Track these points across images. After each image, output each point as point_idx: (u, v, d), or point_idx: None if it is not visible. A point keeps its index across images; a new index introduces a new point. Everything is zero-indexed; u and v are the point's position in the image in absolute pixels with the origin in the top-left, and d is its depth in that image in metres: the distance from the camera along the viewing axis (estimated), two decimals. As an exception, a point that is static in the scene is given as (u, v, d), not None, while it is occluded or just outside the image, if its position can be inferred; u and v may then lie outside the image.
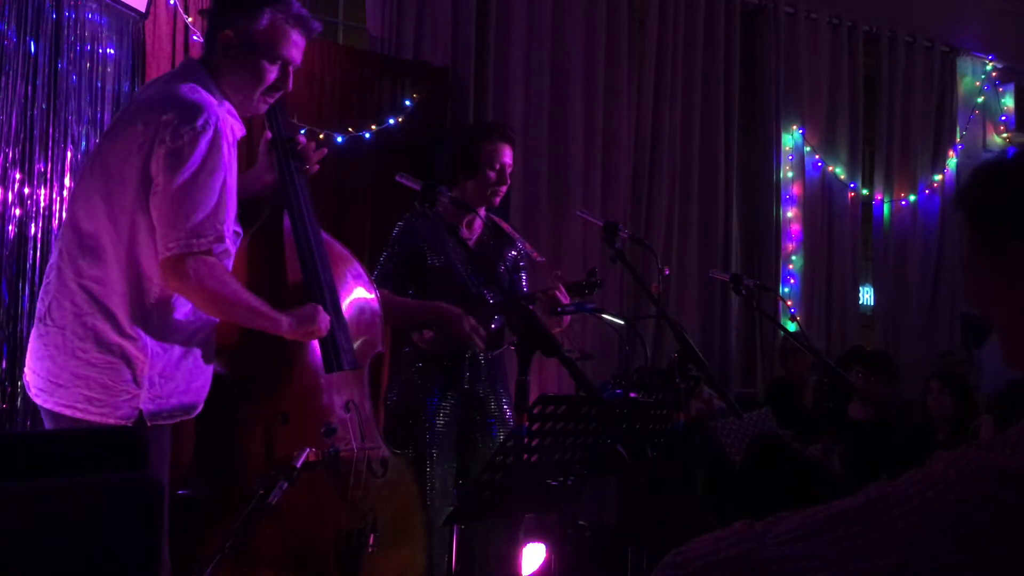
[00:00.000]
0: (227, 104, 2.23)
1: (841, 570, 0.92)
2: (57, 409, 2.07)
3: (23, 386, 3.25)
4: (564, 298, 2.91)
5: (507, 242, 3.18)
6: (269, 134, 2.47)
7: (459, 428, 3.02)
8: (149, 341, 2.10)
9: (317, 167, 2.50)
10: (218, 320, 2.26)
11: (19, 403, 3.27)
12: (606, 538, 4.27)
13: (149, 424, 2.10)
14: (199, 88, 2.16)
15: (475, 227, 3.13)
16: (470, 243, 3.07)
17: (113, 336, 2.06)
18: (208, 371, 2.24)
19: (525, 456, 2.11)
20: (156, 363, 2.10)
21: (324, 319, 2.29)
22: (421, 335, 3.00)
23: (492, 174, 3.03)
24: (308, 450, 2.20)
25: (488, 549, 3.04)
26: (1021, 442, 0.91)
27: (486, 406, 3.05)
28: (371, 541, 2.35)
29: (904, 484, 0.94)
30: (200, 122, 2.06)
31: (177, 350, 2.15)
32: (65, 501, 1.66)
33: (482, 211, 3.09)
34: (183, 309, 2.16)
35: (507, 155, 3.07)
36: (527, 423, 2.03)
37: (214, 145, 2.07)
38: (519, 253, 3.20)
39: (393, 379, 3.12)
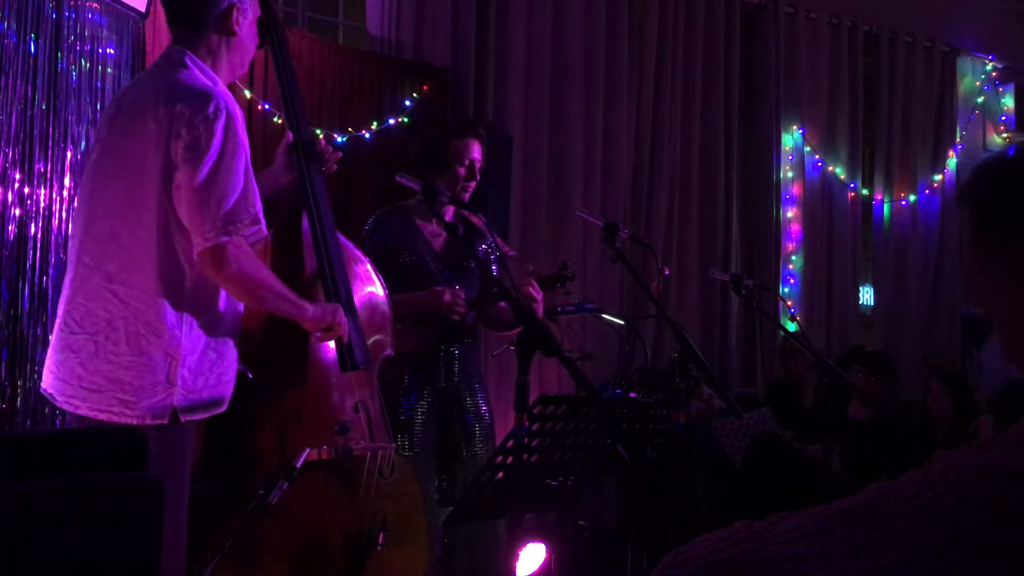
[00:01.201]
0: (221, 84, 2.22)
1: (841, 570, 0.92)
2: (91, 415, 2.06)
3: (23, 386, 3.28)
4: (536, 293, 2.91)
5: (477, 236, 3.17)
6: (290, 136, 2.48)
7: (437, 426, 3.01)
8: (182, 338, 2.09)
9: (335, 167, 2.54)
10: (242, 313, 2.28)
11: (19, 403, 3.27)
12: (606, 538, 4.27)
13: (183, 420, 2.10)
14: (194, 73, 2.16)
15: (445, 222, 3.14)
16: (440, 239, 3.09)
17: (146, 337, 2.06)
18: (234, 365, 2.25)
19: (525, 456, 2.11)
20: (188, 359, 2.10)
21: (343, 319, 2.31)
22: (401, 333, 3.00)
23: (461, 170, 3.06)
24: (308, 450, 2.21)
25: (472, 549, 3.04)
26: (1021, 441, 0.91)
27: (462, 402, 3.05)
28: (380, 540, 2.36)
29: (904, 484, 0.94)
30: (211, 109, 2.05)
31: (208, 344, 2.16)
32: (65, 501, 1.66)
33: (450, 208, 3.08)
34: (214, 303, 2.17)
35: (476, 151, 3.09)
36: (527, 423, 2.03)
37: (229, 129, 2.07)
38: (489, 247, 3.19)
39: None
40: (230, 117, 2.08)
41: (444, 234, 3.09)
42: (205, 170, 2.03)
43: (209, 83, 2.15)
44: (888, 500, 0.94)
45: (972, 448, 0.94)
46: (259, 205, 2.13)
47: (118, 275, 2.07)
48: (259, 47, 2.38)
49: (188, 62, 2.17)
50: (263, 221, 2.13)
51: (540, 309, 2.94)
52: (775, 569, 0.94)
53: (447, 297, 2.88)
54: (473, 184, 3.09)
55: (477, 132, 3.14)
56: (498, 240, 3.06)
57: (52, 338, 2.16)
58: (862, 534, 0.93)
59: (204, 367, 2.14)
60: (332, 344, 2.39)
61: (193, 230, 2.06)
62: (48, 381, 2.14)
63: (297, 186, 2.46)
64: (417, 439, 2.95)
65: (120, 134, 2.13)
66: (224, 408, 2.22)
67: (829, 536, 0.94)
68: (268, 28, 2.43)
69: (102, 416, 2.05)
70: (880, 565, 0.90)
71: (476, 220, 3.11)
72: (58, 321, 2.14)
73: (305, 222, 2.45)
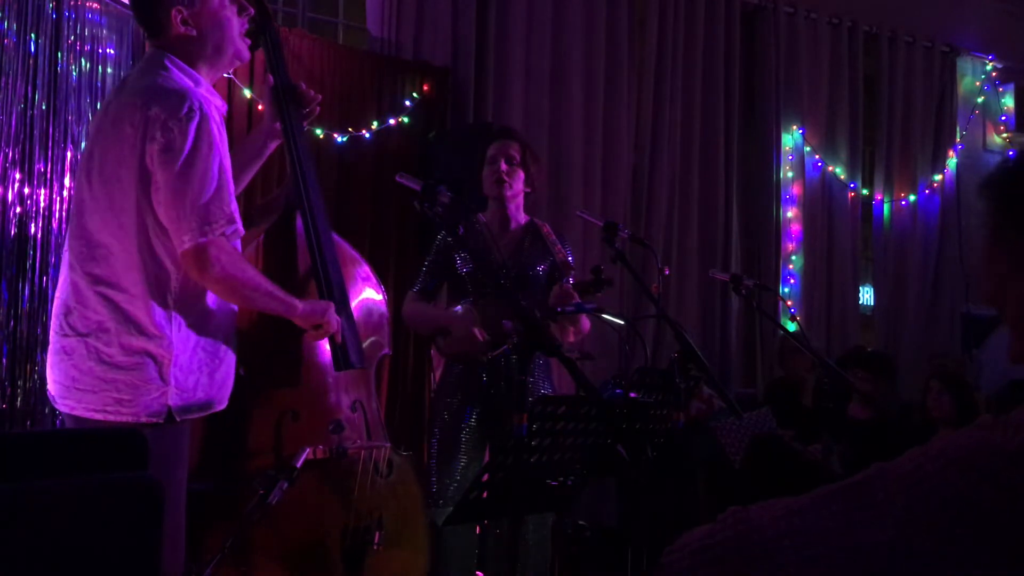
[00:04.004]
0: (204, 83, 2.22)
1: (839, 545, 0.92)
2: (87, 415, 2.07)
3: (23, 386, 3.28)
4: (574, 297, 2.93)
5: (542, 250, 3.15)
6: (271, 80, 2.50)
7: (486, 433, 3.05)
8: (173, 338, 2.10)
9: (318, 110, 2.54)
10: (237, 311, 2.28)
11: (19, 403, 3.27)
12: (606, 538, 4.27)
13: (178, 419, 2.10)
14: (174, 75, 2.16)
15: (510, 231, 3.16)
16: (504, 247, 3.12)
17: (136, 337, 2.07)
18: (230, 363, 2.25)
19: (525, 456, 2.11)
20: (180, 358, 2.11)
21: (334, 317, 2.31)
22: (443, 341, 3.05)
23: (488, 168, 3.16)
24: (308, 450, 2.21)
25: (509, 543, 3.05)
26: (1021, 424, 0.91)
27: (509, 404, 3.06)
28: (376, 539, 2.36)
29: (903, 460, 0.94)
30: (184, 110, 2.05)
31: (200, 343, 2.16)
32: (65, 501, 1.66)
33: (519, 214, 3.19)
34: (203, 302, 2.17)
35: (502, 148, 3.15)
36: (527, 423, 2.03)
37: (202, 129, 2.07)
38: (556, 261, 3.14)
39: (435, 393, 3.14)
40: (204, 117, 2.07)
41: (508, 243, 3.15)
42: (177, 171, 2.03)
43: (189, 83, 2.15)
44: (887, 477, 0.94)
45: (973, 428, 0.94)
46: (235, 205, 2.14)
47: (105, 278, 2.08)
48: (253, 48, 2.38)
49: (168, 64, 2.17)
50: (239, 220, 2.13)
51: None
52: (773, 546, 0.94)
53: (465, 331, 2.93)
54: (503, 176, 3.14)
55: (502, 134, 3.25)
56: (556, 247, 3.06)
57: (50, 342, 2.17)
58: (858, 509, 0.92)
59: (197, 366, 2.15)
60: (327, 344, 2.39)
61: (172, 232, 2.07)
62: (49, 384, 2.16)
63: (282, 139, 2.46)
64: (466, 448, 3.00)
65: (103, 139, 2.14)
66: (223, 407, 2.22)
67: (826, 512, 0.94)
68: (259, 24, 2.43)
69: (98, 416, 2.06)
70: (880, 540, 0.90)
71: (546, 230, 3.13)
72: (53, 324, 2.15)
73: (299, 222, 2.45)
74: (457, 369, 3.08)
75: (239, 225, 2.14)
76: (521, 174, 3.15)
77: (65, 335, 2.10)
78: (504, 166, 3.12)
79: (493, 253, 3.09)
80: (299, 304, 2.25)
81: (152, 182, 2.06)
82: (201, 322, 2.17)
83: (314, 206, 2.42)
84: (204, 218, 2.04)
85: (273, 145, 2.53)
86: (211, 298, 2.18)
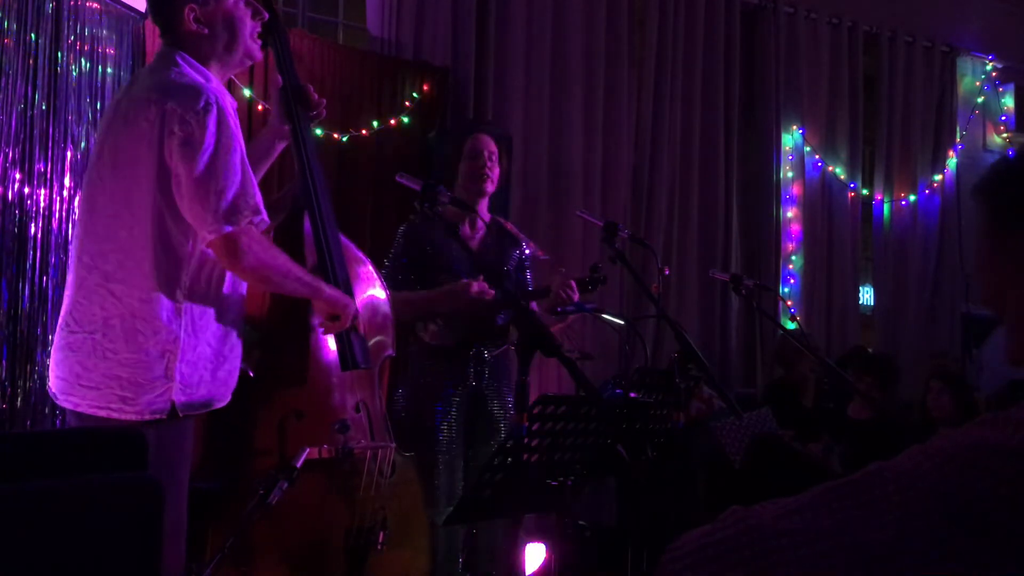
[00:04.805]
0: (215, 80, 2.23)
1: (838, 544, 0.92)
2: (91, 412, 2.07)
3: (23, 386, 3.28)
4: (575, 294, 2.95)
5: (511, 243, 3.21)
6: (280, 80, 2.51)
7: (465, 428, 3.04)
8: (180, 334, 2.10)
9: (324, 113, 2.54)
10: (244, 309, 2.29)
11: (19, 403, 3.27)
12: (606, 538, 4.27)
13: (182, 415, 2.11)
14: (185, 71, 2.16)
15: (478, 227, 3.17)
16: (473, 243, 3.13)
17: (143, 335, 2.07)
18: (235, 361, 2.26)
19: (525, 456, 2.11)
20: (187, 355, 2.11)
21: (352, 313, 2.32)
22: (426, 328, 3.03)
23: (471, 162, 3.14)
24: (308, 449, 2.21)
25: (493, 546, 3.05)
26: (1021, 421, 0.91)
27: (491, 405, 3.08)
28: (381, 539, 2.36)
29: (903, 458, 0.94)
30: (201, 104, 2.06)
31: (207, 340, 2.17)
32: (65, 501, 1.66)
33: (484, 211, 3.16)
34: (212, 299, 2.18)
35: (484, 143, 3.16)
36: (527, 423, 2.03)
37: (221, 122, 2.08)
38: (522, 253, 3.23)
39: (400, 379, 3.14)
40: (221, 110, 2.08)
41: (477, 238, 3.16)
42: (202, 164, 2.04)
43: (201, 79, 2.16)
44: (886, 475, 0.93)
45: (975, 424, 0.94)
46: (259, 196, 2.15)
47: (115, 274, 2.08)
48: (262, 48, 2.38)
49: (179, 60, 2.18)
50: (264, 211, 2.15)
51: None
52: (773, 544, 0.94)
53: (474, 288, 2.92)
54: (485, 172, 3.13)
55: (483, 129, 3.30)
56: (531, 245, 3.09)
57: (55, 338, 2.17)
58: (857, 507, 0.92)
59: (203, 363, 2.15)
60: (332, 345, 2.39)
61: (197, 224, 2.07)
62: (51, 380, 2.15)
63: (290, 141, 2.47)
64: (445, 445, 3.00)
65: (115, 137, 2.14)
66: (225, 403, 2.22)
67: (825, 509, 0.94)
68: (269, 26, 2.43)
69: (102, 413, 2.06)
70: (879, 538, 0.90)
71: (510, 227, 3.16)
72: (60, 321, 2.15)
73: (307, 221, 2.46)
74: (438, 361, 3.05)
75: (264, 215, 2.15)
76: (497, 170, 3.17)
77: (71, 331, 2.10)
78: (488, 161, 3.13)
79: (485, 250, 3.11)
80: (326, 288, 2.28)
81: (172, 177, 2.06)
82: (209, 319, 2.17)
83: (322, 206, 2.42)
84: (232, 209, 2.05)
85: (281, 146, 2.53)
86: (219, 296, 2.19)
